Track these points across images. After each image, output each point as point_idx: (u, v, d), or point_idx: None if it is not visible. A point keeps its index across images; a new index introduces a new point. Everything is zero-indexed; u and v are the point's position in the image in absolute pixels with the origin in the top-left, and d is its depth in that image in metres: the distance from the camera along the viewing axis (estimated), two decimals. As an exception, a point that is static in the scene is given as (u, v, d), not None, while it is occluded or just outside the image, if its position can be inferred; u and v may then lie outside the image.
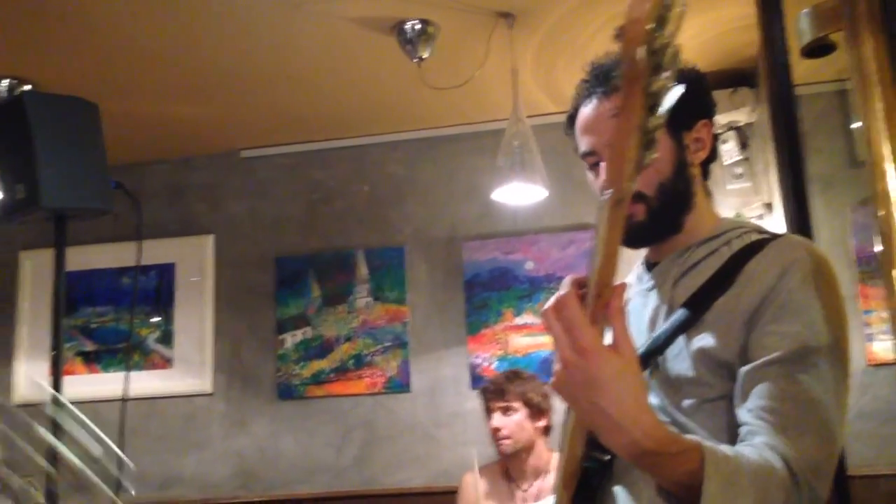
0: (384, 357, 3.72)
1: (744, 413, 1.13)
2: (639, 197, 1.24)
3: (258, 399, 3.78)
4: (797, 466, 1.05)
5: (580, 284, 1.01)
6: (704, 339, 1.18)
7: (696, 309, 1.21)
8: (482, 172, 3.69)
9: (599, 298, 0.99)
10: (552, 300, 0.99)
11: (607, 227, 0.98)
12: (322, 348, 3.77)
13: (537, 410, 2.97)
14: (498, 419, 2.96)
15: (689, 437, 1.04)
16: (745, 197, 3.34)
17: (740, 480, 1.00)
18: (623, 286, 1.00)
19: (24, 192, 2.38)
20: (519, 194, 3.37)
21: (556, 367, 0.98)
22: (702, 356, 1.18)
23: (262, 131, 3.86)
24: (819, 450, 1.08)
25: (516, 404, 2.96)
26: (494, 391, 3.01)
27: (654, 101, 0.89)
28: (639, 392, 0.96)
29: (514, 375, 3.04)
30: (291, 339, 3.80)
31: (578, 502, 1.21)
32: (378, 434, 3.67)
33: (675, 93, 0.89)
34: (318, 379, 3.74)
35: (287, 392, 3.75)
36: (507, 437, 2.94)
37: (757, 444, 1.08)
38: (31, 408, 3.80)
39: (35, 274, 3.97)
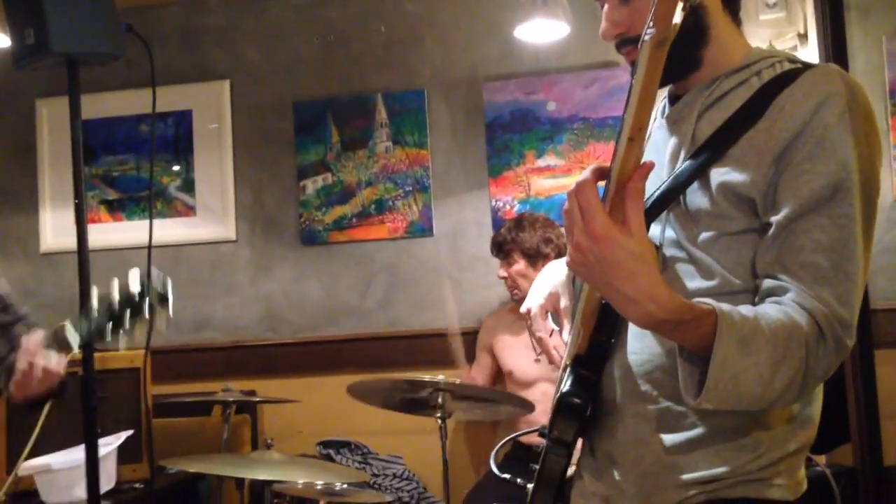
0: (405, 202, 3.72)
1: (774, 265, 1.12)
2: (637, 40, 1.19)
3: (281, 245, 3.82)
4: (825, 321, 1.07)
5: (601, 173, 1.05)
6: (729, 174, 1.15)
7: (722, 142, 1.17)
8: (504, 9, 3.55)
9: (633, 142, 1.00)
10: (573, 185, 1.02)
11: (646, 69, 0.98)
12: (343, 194, 3.77)
13: (537, 256, 3.11)
14: (502, 270, 3.21)
15: (705, 302, 1.06)
16: (779, 28, 3.19)
17: (757, 339, 1.04)
18: (647, 167, 1.01)
19: (33, 38, 2.34)
20: (541, 31, 3.26)
21: (570, 249, 1.03)
22: (725, 190, 1.15)
23: (274, -30, 3.71)
24: (847, 299, 1.09)
25: (514, 256, 3.15)
26: (493, 245, 3.23)
27: None
28: (651, 268, 1.01)
29: (514, 225, 3.21)
30: (312, 185, 3.79)
31: (597, 337, 1.23)
32: (401, 278, 3.72)
33: None
34: (340, 224, 3.76)
35: (310, 238, 3.79)
36: (513, 287, 3.18)
37: (784, 300, 1.09)
38: (60, 255, 3.89)
39: (52, 122, 3.94)
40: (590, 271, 1.02)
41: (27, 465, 2.65)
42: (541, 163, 3.62)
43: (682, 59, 1.23)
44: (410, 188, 3.72)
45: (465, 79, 3.71)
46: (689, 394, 1.07)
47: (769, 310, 1.08)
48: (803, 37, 3.19)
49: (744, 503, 1.17)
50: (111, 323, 1.49)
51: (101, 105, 3.80)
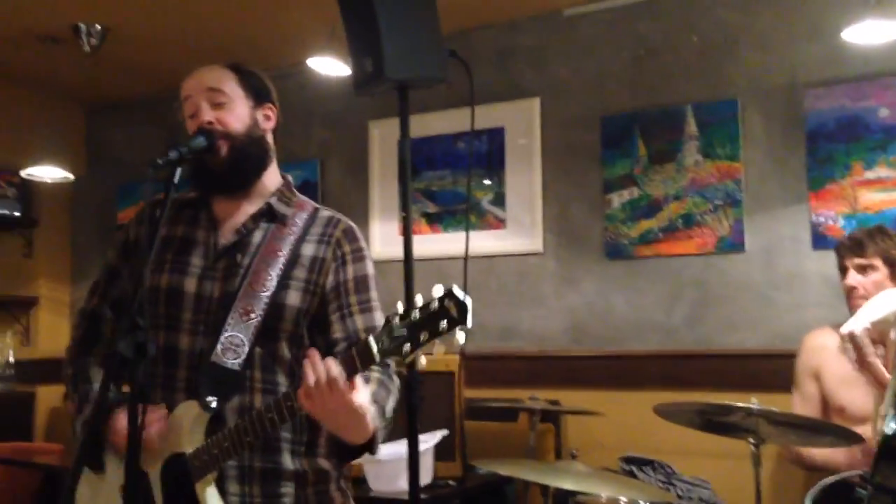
0: (715, 216, 3.60)
1: None
2: None
3: (587, 258, 3.86)
4: None
5: None
6: None
7: None
8: (829, 9, 3.33)
9: None
10: None
11: None
12: (649, 208, 3.72)
13: None
14: (853, 277, 2.75)
15: None
16: None
17: None
18: None
19: (371, 66, 2.58)
20: (873, 32, 3.01)
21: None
22: None
23: (585, -13, 3.77)
24: None
25: (876, 262, 2.72)
26: (851, 246, 2.78)
27: None
28: None
29: (877, 231, 2.77)
30: (618, 198, 3.79)
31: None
32: (710, 294, 3.60)
33: None
34: (646, 239, 3.73)
35: (615, 251, 3.79)
36: (863, 297, 2.67)
37: None
38: (387, 263, 4.23)
39: (382, 141, 4.32)
40: None
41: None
42: (870, 174, 3.33)
43: None
44: (720, 202, 3.59)
45: (783, 86, 3.52)
46: None
47: None
48: None
49: None
50: (409, 341, 1.45)
51: (423, 124, 4.09)
